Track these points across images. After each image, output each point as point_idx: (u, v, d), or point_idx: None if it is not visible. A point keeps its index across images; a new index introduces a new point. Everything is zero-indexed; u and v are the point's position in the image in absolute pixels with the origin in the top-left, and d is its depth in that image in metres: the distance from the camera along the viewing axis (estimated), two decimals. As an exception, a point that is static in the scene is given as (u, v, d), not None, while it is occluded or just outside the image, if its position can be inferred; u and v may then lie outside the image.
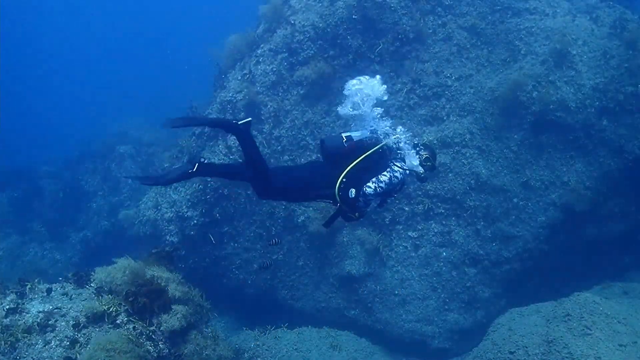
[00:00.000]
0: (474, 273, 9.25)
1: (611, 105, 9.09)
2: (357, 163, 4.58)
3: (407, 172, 4.78)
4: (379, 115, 4.89)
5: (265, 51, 10.47)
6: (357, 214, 4.70)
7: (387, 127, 4.90)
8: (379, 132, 4.84)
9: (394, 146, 4.81)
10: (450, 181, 9.34)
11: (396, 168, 4.69)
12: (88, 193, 16.09)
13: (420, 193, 9.51)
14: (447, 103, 9.62)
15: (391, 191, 4.74)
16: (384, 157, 4.76)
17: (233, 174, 4.96)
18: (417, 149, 4.94)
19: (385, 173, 4.65)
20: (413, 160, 4.88)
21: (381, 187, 4.59)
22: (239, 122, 4.51)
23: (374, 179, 4.61)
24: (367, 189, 4.58)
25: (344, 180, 4.54)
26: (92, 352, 4.75)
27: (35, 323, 5.25)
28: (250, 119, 4.65)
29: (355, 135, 4.74)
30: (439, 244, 9.40)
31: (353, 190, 4.54)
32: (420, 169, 4.90)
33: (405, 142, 4.90)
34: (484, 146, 9.35)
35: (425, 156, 4.90)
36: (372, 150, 4.66)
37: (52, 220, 15.61)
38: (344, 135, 4.72)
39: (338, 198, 4.58)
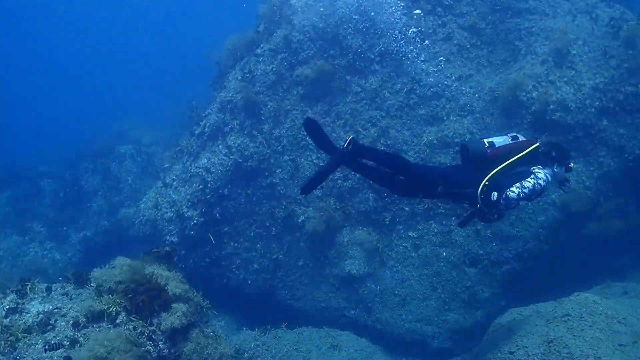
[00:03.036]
0: (474, 273, 9.24)
1: (611, 105, 9.07)
2: (500, 169, 4.64)
3: (551, 180, 4.80)
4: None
5: (265, 51, 10.48)
6: (496, 216, 4.75)
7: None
8: (520, 139, 4.87)
9: (538, 154, 4.83)
10: (450, 181, 9.33)
11: (541, 175, 4.69)
12: (88, 193, 16.07)
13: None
14: (447, 103, 9.62)
15: (532, 196, 4.76)
16: (527, 163, 4.78)
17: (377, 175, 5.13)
18: (562, 157, 4.94)
19: (529, 179, 4.65)
20: (559, 170, 4.90)
21: (524, 193, 4.61)
22: (344, 149, 4.69)
23: (517, 184, 4.62)
24: (510, 193, 4.60)
25: (486, 183, 4.62)
26: (91, 346, 4.76)
27: (35, 323, 5.25)
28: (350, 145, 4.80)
29: (498, 141, 4.80)
30: (439, 244, 9.39)
31: (495, 194, 4.62)
32: (566, 177, 4.93)
33: (552, 150, 4.91)
34: (484, 146, 9.35)
35: (571, 166, 4.92)
36: (516, 157, 4.70)
37: (52, 220, 15.58)
38: (486, 141, 4.78)
39: (479, 200, 4.66)
